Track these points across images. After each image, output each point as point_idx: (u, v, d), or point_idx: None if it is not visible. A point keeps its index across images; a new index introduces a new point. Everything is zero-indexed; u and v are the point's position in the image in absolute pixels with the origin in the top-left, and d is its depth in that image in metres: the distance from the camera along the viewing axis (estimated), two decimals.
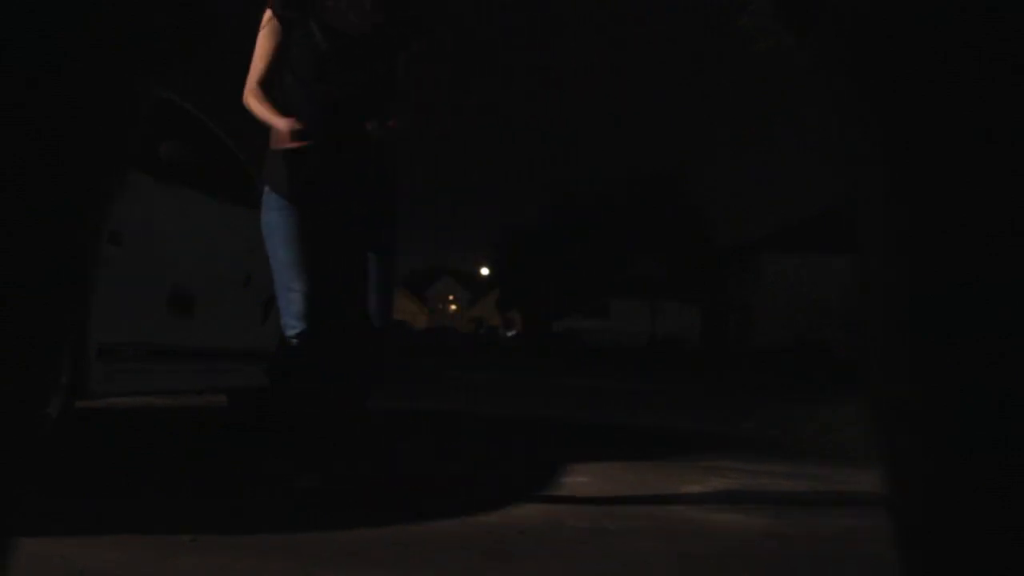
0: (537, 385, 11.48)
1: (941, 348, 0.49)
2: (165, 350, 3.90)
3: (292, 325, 2.78)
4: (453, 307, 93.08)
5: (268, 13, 2.83)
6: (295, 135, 2.70)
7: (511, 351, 28.41)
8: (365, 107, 2.82)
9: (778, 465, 4.41)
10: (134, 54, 0.49)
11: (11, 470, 0.49)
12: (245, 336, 4.48)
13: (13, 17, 0.43)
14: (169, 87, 4.15)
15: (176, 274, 3.93)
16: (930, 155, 0.49)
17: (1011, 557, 0.47)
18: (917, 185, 0.49)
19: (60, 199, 0.48)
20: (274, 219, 2.85)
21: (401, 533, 2.42)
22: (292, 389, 2.87)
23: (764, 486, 3.65)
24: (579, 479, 3.56)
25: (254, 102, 2.81)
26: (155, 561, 2.01)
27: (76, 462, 3.38)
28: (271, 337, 4.33)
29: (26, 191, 0.46)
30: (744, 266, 38.44)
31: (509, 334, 49.59)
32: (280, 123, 2.73)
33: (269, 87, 2.83)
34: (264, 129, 2.92)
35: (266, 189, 2.90)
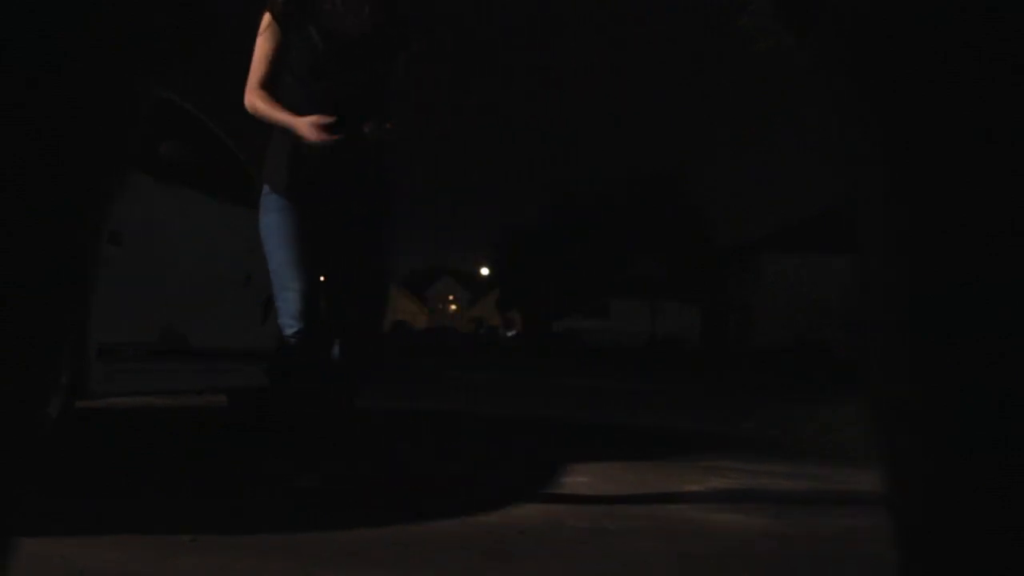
0: (537, 385, 11.48)
1: (941, 348, 0.49)
2: (165, 350, 3.90)
3: (290, 324, 2.79)
4: (453, 307, 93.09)
5: (267, 16, 2.84)
6: (326, 128, 2.73)
7: (511, 351, 28.41)
8: (364, 108, 2.82)
9: (778, 465, 4.41)
10: (134, 54, 0.49)
11: (11, 470, 0.49)
12: (245, 336, 4.48)
13: (13, 17, 0.43)
14: (169, 87, 4.15)
15: (176, 274, 3.93)
16: (930, 155, 0.49)
17: (1011, 557, 0.47)
18: (917, 185, 0.49)
19: (60, 199, 0.48)
20: (272, 220, 2.85)
21: (401, 533, 2.42)
22: (291, 389, 2.87)
23: (764, 486, 3.65)
24: (579, 479, 3.56)
25: (262, 104, 2.82)
26: (155, 561, 2.01)
27: (76, 462, 3.38)
28: (271, 337, 4.32)
29: (26, 191, 0.46)
30: (744, 266, 38.44)
31: (509, 334, 49.58)
32: (302, 122, 2.74)
33: (272, 90, 2.84)
34: (264, 129, 2.93)
35: (265, 190, 2.90)
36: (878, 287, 0.53)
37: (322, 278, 2.94)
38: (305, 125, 2.73)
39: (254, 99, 2.84)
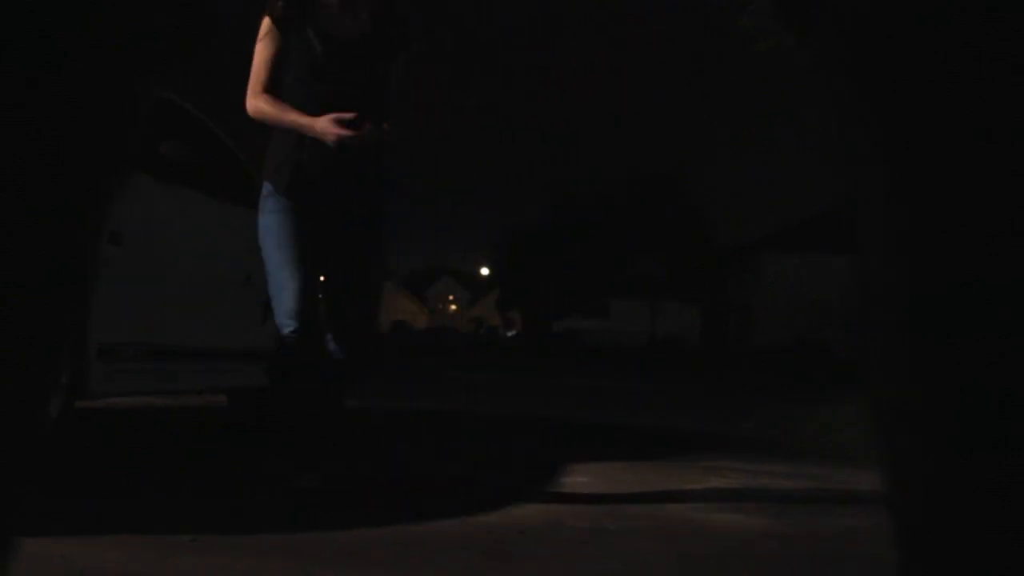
0: (537, 385, 11.48)
1: (941, 348, 0.49)
2: (165, 350, 3.90)
3: (286, 324, 2.80)
4: (453, 307, 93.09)
5: (267, 20, 2.85)
6: (347, 124, 2.75)
7: (511, 351, 28.42)
8: (363, 108, 2.83)
9: (778, 465, 4.41)
10: (134, 54, 0.49)
11: (11, 470, 0.49)
12: (245, 336, 4.48)
13: (13, 17, 0.43)
14: (169, 87, 4.15)
15: (176, 274, 3.93)
16: (930, 155, 0.49)
17: (1011, 557, 0.47)
18: (917, 185, 0.49)
19: (60, 199, 0.48)
20: (272, 220, 2.86)
21: (401, 533, 2.42)
22: (291, 388, 2.88)
23: (764, 486, 3.65)
24: (579, 479, 3.56)
25: (268, 107, 2.84)
26: (155, 561, 2.01)
27: (76, 462, 3.38)
28: (271, 337, 4.32)
29: (26, 191, 0.46)
30: (744, 266, 38.44)
31: (509, 334, 49.58)
32: (321, 121, 2.76)
33: (275, 93, 2.86)
34: (264, 129, 2.94)
35: (265, 191, 2.91)
36: (878, 287, 0.53)
37: (322, 278, 2.95)
38: (324, 123, 2.75)
39: (259, 103, 2.85)
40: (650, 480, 3.67)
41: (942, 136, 0.48)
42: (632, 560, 2.27)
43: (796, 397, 9.00)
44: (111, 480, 3.10)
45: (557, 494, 3.24)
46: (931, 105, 0.48)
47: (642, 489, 3.44)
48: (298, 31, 2.85)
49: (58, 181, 0.47)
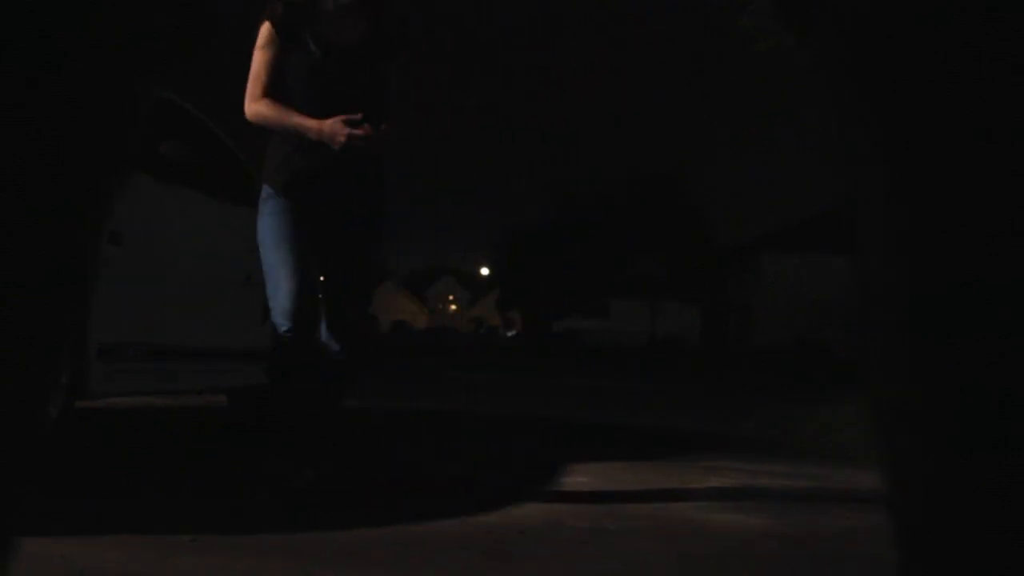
0: (537, 385, 11.48)
1: (941, 348, 0.49)
2: (165, 350, 3.90)
3: (281, 324, 2.82)
4: (453, 307, 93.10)
5: (267, 25, 2.86)
6: (353, 124, 2.77)
7: (511, 351, 28.42)
8: (361, 111, 2.85)
9: (778, 465, 4.41)
10: (134, 54, 0.49)
11: (11, 470, 0.49)
12: (245, 336, 4.48)
13: (13, 17, 0.43)
14: (169, 87, 4.15)
15: (176, 274, 3.93)
16: (930, 155, 0.49)
17: (1011, 557, 0.47)
18: (917, 185, 0.49)
19: (60, 199, 0.48)
20: (270, 222, 2.88)
21: (401, 533, 2.42)
22: (289, 388, 2.89)
23: (764, 486, 3.65)
24: (579, 479, 3.56)
25: (270, 111, 2.85)
26: (155, 561, 2.01)
27: (76, 462, 3.38)
28: (271, 337, 4.33)
29: (26, 191, 0.46)
30: (744, 266, 38.44)
31: (509, 334, 49.59)
32: (328, 123, 2.77)
33: (275, 98, 2.87)
34: (264, 129, 2.94)
35: (264, 193, 2.93)
36: (878, 287, 0.53)
37: (322, 278, 2.97)
38: (333, 125, 2.77)
39: (259, 107, 2.86)
40: (650, 480, 3.67)
41: (942, 136, 0.48)
42: (632, 560, 2.27)
43: (796, 397, 9.00)
44: (111, 480, 3.10)
45: (557, 494, 3.24)
46: (931, 105, 0.48)
47: (642, 489, 3.44)
48: (297, 37, 2.86)
49: (58, 181, 0.47)
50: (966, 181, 0.48)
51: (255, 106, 2.87)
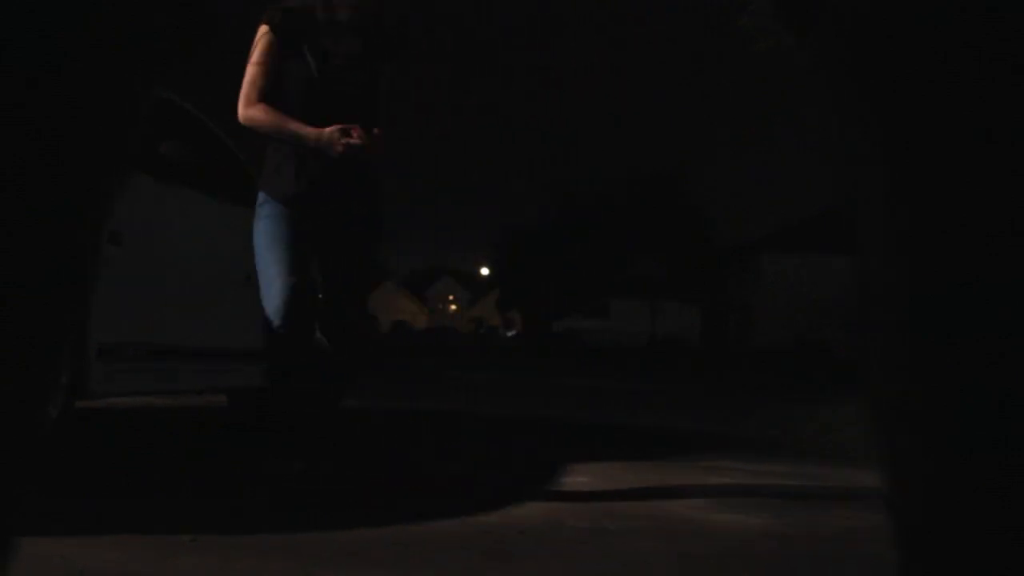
0: (537, 385, 11.48)
1: (941, 348, 0.49)
2: (165, 350, 3.90)
3: (273, 321, 2.84)
4: (453, 307, 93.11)
5: (264, 29, 2.87)
6: (345, 132, 2.80)
7: (511, 351, 28.42)
8: (355, 117, 2.87)
9: (778, 465, 4.41)
10: (134, 54, 0.49)
11: (11, 470, 0.49)
12: (245, 336, 4.48)
13: (13, 17, 0.43)
14: (169, 87, 4.15)
15: (176, 274, 3.93)
16: (930, 155, 0.49)
17: (1011, 557, 0.47)
18: (917, 185, 0.49)
19: (60, 199, 0.48)
20: (266, 225, 2.89)
21: (401, 533, 2.42)
22: (284, 385, 2.89)
23: (764, 486, 3.65)
24: (579, 479, 3.57)
25: (266, 116, 2.86)
26: (155, 561, 2.01)
27: (76, 462, 3.38)
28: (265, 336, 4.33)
29: (26, 191, 0.46)
30: (744, 266, 38.45)
31: (509, 334, 49.60)
32: (327, 131, 2.81)
33: (271, 103, 2.88)
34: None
35: (260, 197, 2.94)
36: (878, 287, 0.53)
37: (321, 280, 2.99)
38: (331, 133, 2.79)
39: (254, 112, 2.87)
40: (650, 480, 3.67)
41: (942, 136, 0.48)
42: (632, 560, 2.27)
43: (796, 397, 9.01)
44: (111, 480, 3.10)
45: (557, 494, 3.24)
46: (931, 105, 0.49)
47: (642, 489, 3.44)
48: (295, 44, 2.88)
49: (58, 181, 0.47)
50: (966, 181, 0.48)
51: (250, 111, 2.88)
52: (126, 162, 0.53)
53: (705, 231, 41.19)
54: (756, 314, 36.23)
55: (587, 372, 15.92)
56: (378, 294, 78.02)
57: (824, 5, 0.54)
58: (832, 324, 29.79)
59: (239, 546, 2.18)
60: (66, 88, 0.46)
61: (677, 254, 39.88)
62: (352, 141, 2.80)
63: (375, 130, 2.86)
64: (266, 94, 2.87)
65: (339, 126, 2.81)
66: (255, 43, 2.88)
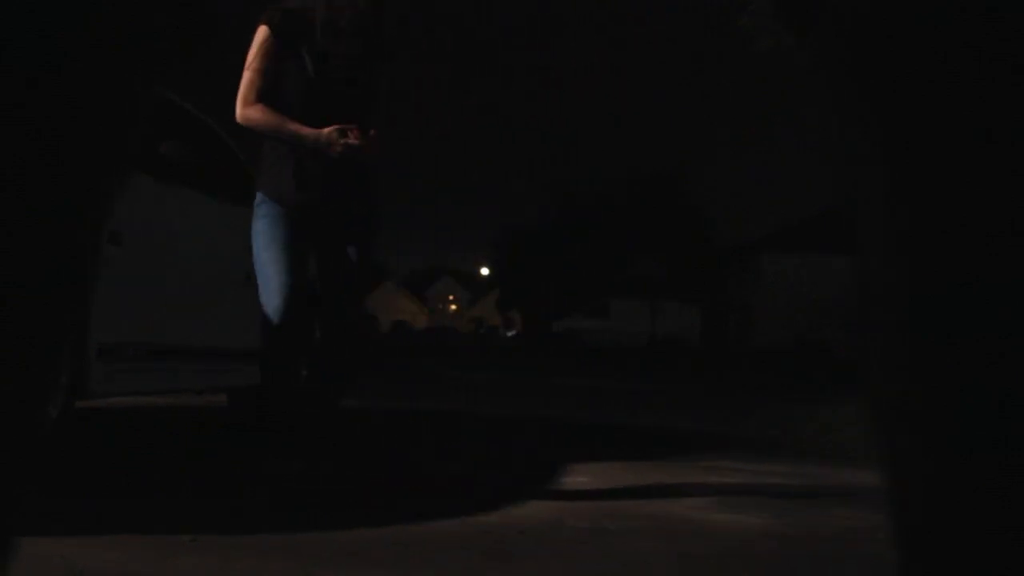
0: (537, 385, 11.48)
1: (941, 348, 0.49)
2: (165, 350, 3.90)
3: (271, 318, 2.84)
4: (453, 307, 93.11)
5: (264, 30, 2.87)
6: (343, 133, 2.81)
7: (511, 351, 28.42)
8: (353, 118, 2.88)
9: (778, 465, 4.41)
10: (134, 54, 0.49)
11: (11, 470, 0.49)
12: (245, 336, 4.48)
13: (13, 17, 0.43)
14: (169, 87, 4.15)
15: (176, 274, 3.93)
16: (930, 155, 0.49)
17: (1011, 557, 0.47)
18: (917, 185, 0.49)
19: (60, 199, 0.48)
20: (262, 225, 2.90)
21: (401, 533, 2.42)
22: (278, 383, 2.89)
23: (764, 486, 3.66)
24: (579, 479, 3.57)
25: (264, 116, 2.87)
26: (155, 561, 2.01)
27: (76, 462, 3.38)
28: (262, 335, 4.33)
29: (26, 191, 0.46)
30: (744, 266, 38.44)
31: (509, 334, 49.60)
32: (326, 132, 2.83)
33: (269, 104, 2.89)
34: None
35: (258, 198, 2.94)
36: (878, 287, 0.53)
37: (321, 279, 3.00)
38: (329, 134, 2.80)
39: (252, 112, 2.88)
40: (650, 480, 3.67)
41: (942, 136, 0.48)
42: (632, 560, 2.27)
43: (796, 397, 9.01)
44: (111, 480, 3.10)
45: (557, 494, 3.24)
46: (931, 105, 0.48)
47: (642, 489, 3.44)
48: (294, 45, 2.88)
49: (58, 181, 0.47)
50: (966, 181, 0.48)
51: (248, 110, 2.88)
52: (126, 162, 0.53)
53: (705, 231, 41.18)
54: (756, 314, 36.23)
55: (587, 372, 15.92)
56: (378, 294, 78.02)
57: (824, 5, 0.54)
58: (832, 324, 29.79)
59: (239, 546, 2.18)
60: (66, 88, 0.46)
61: (677, 254, 39.88)
62: (350, 142, 2.81)
63: (372, 131, 2.87)
64: (264, 94, 2.88)
65: (337, 126, 2.82)
66: (254, 43, 2.88)
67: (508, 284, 51.25)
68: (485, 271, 67.33)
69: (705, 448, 5.04)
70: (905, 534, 0.54)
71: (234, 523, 2.43)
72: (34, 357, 0.48)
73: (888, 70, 0.50)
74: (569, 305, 38.81)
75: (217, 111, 4.57)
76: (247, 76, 2.88)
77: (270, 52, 2.87)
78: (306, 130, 2.84)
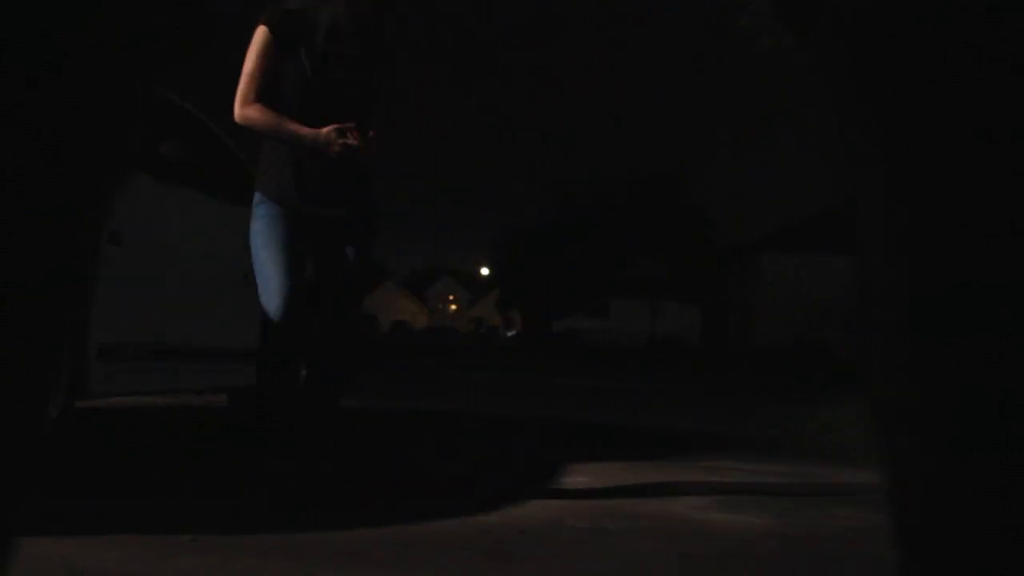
0: (537, 385, 11.48)
1: (941, 348, 0.49)
2: (165, 350, 3.90)
3: (271, 317, 2.85)
4: (453, 307, 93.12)
5: (263, 30, 2.88)
6: (342, 133, 2.82)
7: (511, 351, 28.42)
8: (350, 119, 2.89)
9: (778, 465, 4.41)
10: (134, 54, 0.49)
11: (11, 470, 0.49)
12: (245, 336, 4.48)
13: (13, 17, 0.43)
14: (169, 87, 4.15)
15: (176, 274, 3.93)
16: (930, 155, 0.49)
17: (1011, 557, 0.47)
18: (917, 185, 0.49)
19: (60, 199, 0.48)
20: (260, 225, 2.90)
21: (401, 533, 2.42)
22: (276, 382, 2.90)
23: (764, 486, 3.65)
24: (579, 479, 3.57)
25: (263, 116, 2.87)
26: (155, 561, 2.01)
27: (76, 462, 3.38)
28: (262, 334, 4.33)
29: (26, 191, 0.46)
30: (744, 266, 38.44)
31: (509, 334, 49.62)
32: (324, 132, 2.83)
33: (267, 104, 2.89)
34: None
35: (256, 198, 2.94)
36: (878, 287, 0.53)
37: (320, 279, 3.00)
38: (328, 134, 2.81)
39: (251, 112, 2.88)
40: (650, 480, 3.67)
41: (942, 136, 0.48)
42: (632, 560, 2.27)
43: (796, 397, 9.01)
44: (111, 480, 3.10)
45: (557, 493, 3.24)
46: (931, 105, 0.48)
47: (642, 489, 3.44)
48: (293, 46, 2.88)
49: (58, 181, 0.47)
50: (966, 181, 0.48)
51: (246, 110, 2.88)
52: (126, 162, 0.53)
53: (705, 231, 41.17)
54: (756, 314, 36.23)
55: (587, 372, 15.92)
56: (378, 294, 78.02)
57: (824, 5, 0.54)
58: (832, 324, 29.80)
59: (239, 546, 2.18)
60: (66, 88, 0.46)
61: (677, 254, 39.88)
62: (349, 142, 2.82)
63: (371, 132, 2.88)
64: (263, 94, 2.88)
65: (336, 126, 2.82)
66: (253, 43, 2.89)
67: (508, 284, 51.26)
68: (485, 271, 67.35)
69: (705, 448, 5.04)
70: (905, 534, 0.54)
71: (234, 523, 2.43)
72: (34, 357, 0.48)
73: (888, 70, 0.50)
74: (569, 305, 38.82)
75: (217, 111, 4.57)
76: (245, 75, 2.89)
77: (269, 52, 2.88)
78: (305, 130, 2.84)
